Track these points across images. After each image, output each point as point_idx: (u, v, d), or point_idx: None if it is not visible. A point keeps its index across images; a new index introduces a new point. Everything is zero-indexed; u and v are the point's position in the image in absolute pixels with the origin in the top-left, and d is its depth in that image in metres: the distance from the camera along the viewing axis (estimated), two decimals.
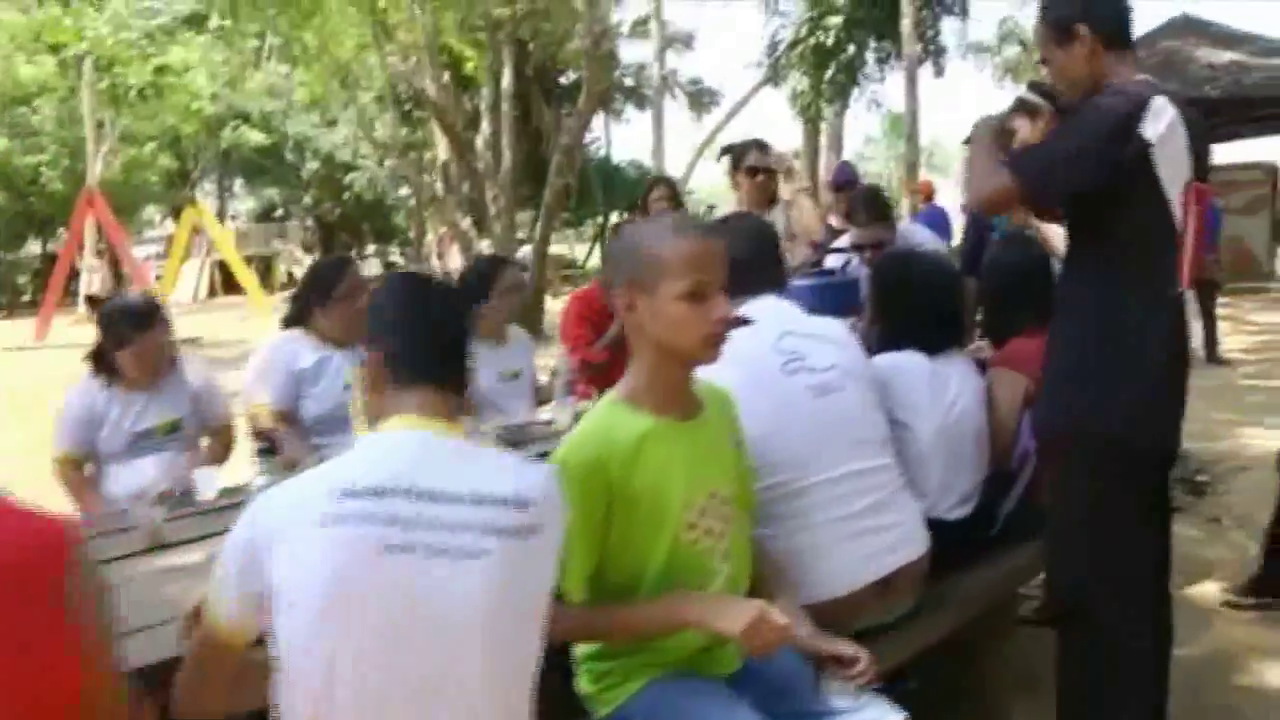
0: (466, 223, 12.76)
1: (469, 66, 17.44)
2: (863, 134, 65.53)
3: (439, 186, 14.66)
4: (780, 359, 2.14)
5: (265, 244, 31.00)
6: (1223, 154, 20.52)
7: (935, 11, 16.64)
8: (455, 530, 1.35)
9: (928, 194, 10.14)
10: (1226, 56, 14.51)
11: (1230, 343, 10.09)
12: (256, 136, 28.95)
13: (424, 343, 1.52)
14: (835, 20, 15.82)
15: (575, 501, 1.65)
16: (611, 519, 1.72)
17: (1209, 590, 3.74)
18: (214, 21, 13.72)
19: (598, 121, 27.33)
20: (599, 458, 1.71)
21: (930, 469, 2.48)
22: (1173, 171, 2.04)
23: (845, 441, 2.13)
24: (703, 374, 2.00)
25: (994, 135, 2.23)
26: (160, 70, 20.49)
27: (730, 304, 2.23)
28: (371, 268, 36.29)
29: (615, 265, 1.80)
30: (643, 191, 5.16)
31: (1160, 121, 2.00)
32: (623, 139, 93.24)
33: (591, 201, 24.01)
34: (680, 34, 26.42)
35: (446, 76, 17.31)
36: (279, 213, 35.12)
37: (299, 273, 29.41)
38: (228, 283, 25.71)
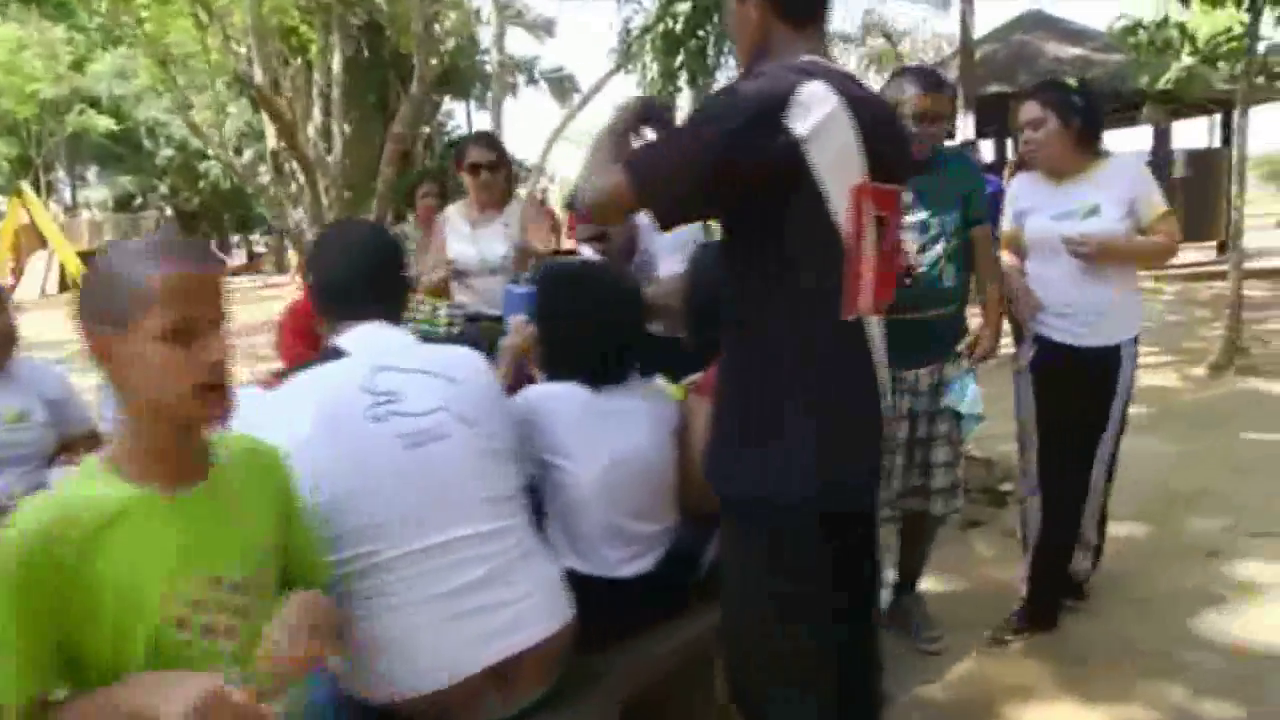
0: (299, 214, 12.04)
1: (313, 51, 16.62)
2: None
3: (268, 176, 13.86)
4: (368, 401, 1.73)
5: (121, 236, 29.40)
6: None
7: None
8: None
9: None
10: (1072, 51, 14.81)
11: None
12: (105, 121, 27.36)
13: None
14: (684, 7, 15.44)
15: (13, 587, 1.28)
16: (69, 611, 1.32)
17: (986, 620, 3.47)
18: None
19: (460, 108, 26.59)
20: (51, 534, 1.31)
21: (592, 519, 2.10)
22: (836, 172, 1.66)
23: (446, 502, 1.74)
24: (272, 419, 1.61)
25: (614, 137, 1.83)
26: None
27: (333, 330, 1.86)
28: (238, 259, 34.93)
29: (83, 302, 1.39)
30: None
31: (814, 113, 1.61)
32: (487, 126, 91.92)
33: (457, 190, 23.29)
34: (540, 20, 25.81)
35: (299, 61, 16.45)
36: (138, 202, 33.38)
37: None
38: None
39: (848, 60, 24.19)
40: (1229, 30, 7.31)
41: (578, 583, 1.98)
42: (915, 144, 2.92)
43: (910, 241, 2.99)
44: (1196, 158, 16.77)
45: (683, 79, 16.37)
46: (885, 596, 3.43)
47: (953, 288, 3.09)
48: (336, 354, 1.79)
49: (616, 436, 2.12)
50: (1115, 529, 4.26)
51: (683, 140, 1.70)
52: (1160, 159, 16.28)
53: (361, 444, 1.70)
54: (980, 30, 16.65)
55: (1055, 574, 3.44)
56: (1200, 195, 16.14)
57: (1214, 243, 17.11)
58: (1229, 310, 7.94)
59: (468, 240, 3.88)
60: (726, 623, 1.87)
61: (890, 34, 22.68)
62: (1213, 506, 4.57)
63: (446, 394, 1.80)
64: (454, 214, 4.03)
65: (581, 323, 2.18)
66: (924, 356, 3.06)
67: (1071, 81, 3.34)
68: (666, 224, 1.72)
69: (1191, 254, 16.59)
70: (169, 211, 32.80)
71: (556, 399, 2.11)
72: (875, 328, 1.80)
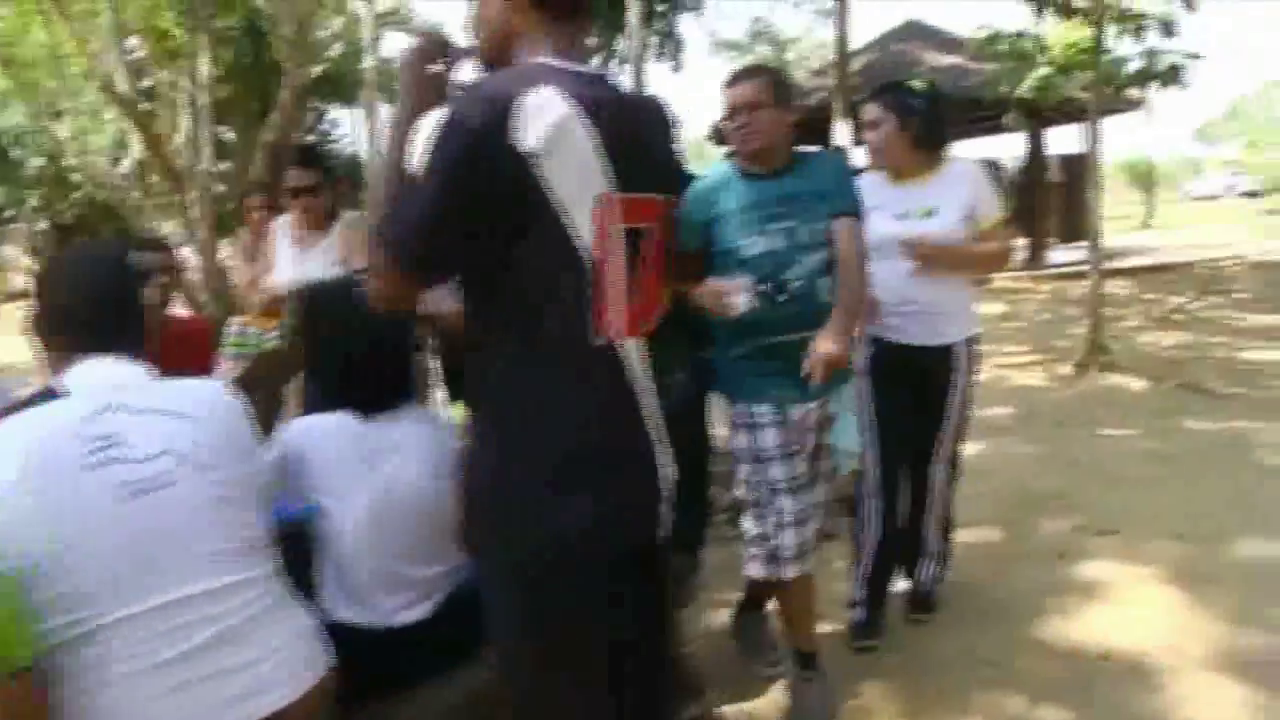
0: (169, 226, 11.59)
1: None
2: None
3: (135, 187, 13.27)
4: (85, 447, 1.55)
5: None
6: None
7: (671, 5, 16.29)
8: None
9: None
10: (948, 60, 15.15)
11: None
12: None
13: None
14: None
15: None
16: None
17: (833, 635, 3.42)
18: None
19: (345, 116, 26.06)
20: None
21: (363, 564, 1.95)
22: (574, 185, 1.53)
23: (171, 557, 1.57)
24: None
25: (401, 125, 1.64)
26: None
27: (58, 365, 1.68)
28: None
29: None
30: None
31: (541, 123, 1.47)
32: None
33: (344, 202, 22.70)
34: (425, 26, 25.42)
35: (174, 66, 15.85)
36: (8, 215, 31.80)
37: (29, 282, 26.82)
38: None
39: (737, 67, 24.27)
40: (1077, 43, 7.52)
41: (351, 634, 1.84)
42: (742, 138, 2.72)
43: (762, 256, 2.69)
44: (1069, 162, 17.32)
45: None
46: (726, 616, 3.37)
47: (831, 303, 2.69)
48: (53, 394, 1.61)
49: (386, 471, 1.97)
50: (968, 535, 4.30)
51: (421, 190, 1.51)
52: (1034, 163, 16.81)
53: (73, 496, 1.52)
54: (861, 39, 16.99)
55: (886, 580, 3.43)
56: (1073, 198, 16.69)
57: (1087, 243, 17.68)
58: (1090, 310, 8.16)
59: (290, 261, 3.68)
60: (502, 666, 1.73)
61: (778, 41, 22.92)
62: (1065, 507, 4.64)
63: (179, 435, 1.63)
64: (281, 230, 3.82)
65: (344, 347, 2.01)
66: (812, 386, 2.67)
67: (916, 84, 3.31)
68: (438, 282, 1.58)
69: (1066, 254, 17.16)
70: (41, 225, 31.38)
71: (319, 433, 1.96)
72: (634, 352, 1.66)
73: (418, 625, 1.98)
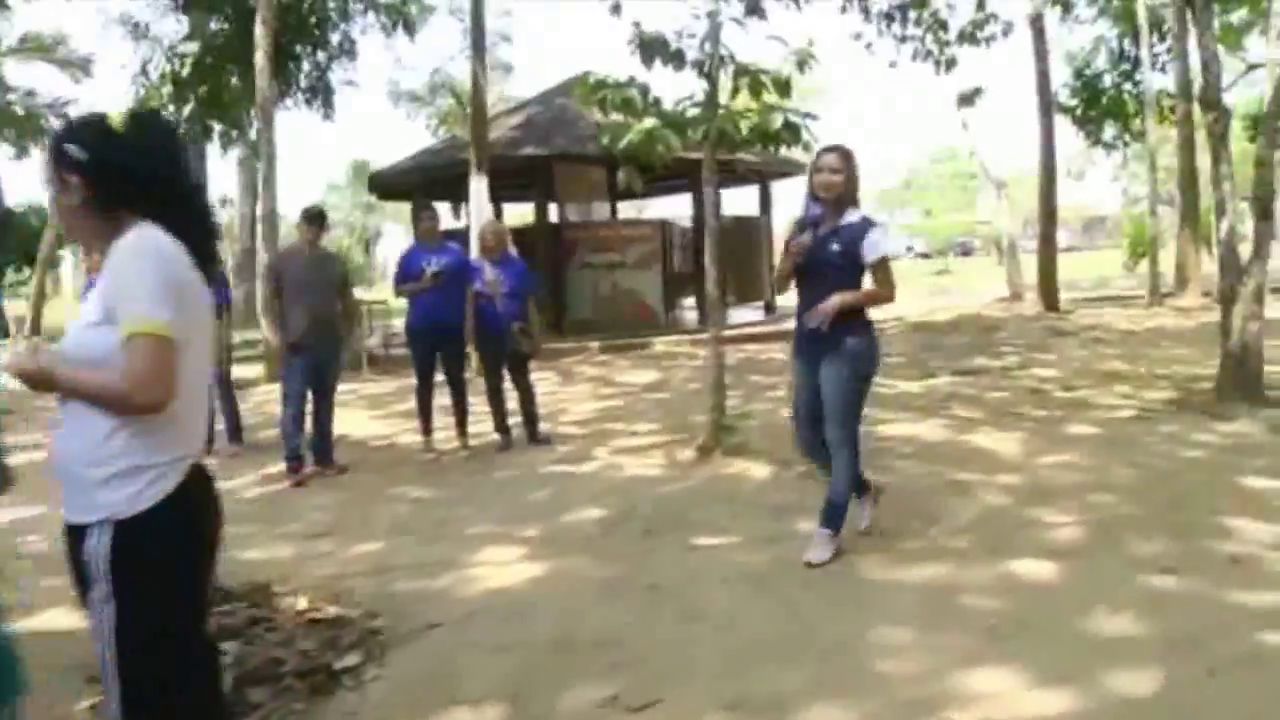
0: None
1: None
2: (324, 180, 62.42)
3: None
4: None
5: None
6: (625, 210, 21.75)
7: (314, 49, 14.91)
8: None
9: None
10: (612, 116, 14.69)
11: (577, 411, 9.51)
12: None
13: None
14: (192, 48, 13.45)
15: None
16: None
17: None
18: None
19: None
20: None
21: None
22: None
23: None
24: None
25: None
26: None
27: None
28: None
29: None
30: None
31: None
32: (26, 177, 76.25)
33: None
34: (75, 57, 22.67)
35: None
36: None
37: None
38: None
39: (416, 119, 23.34)
40: (691, 96, 6.95)
41: None
42: None
43: None
44: (741, 224, 17.41)
45: (188, 130, 14.21)
46: None
47: None
48: None
49: None
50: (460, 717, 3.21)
51: None
52: (697, 224, 16.72)
53: None
54: (533, 91, 16.39)
55: None
56: (744, 259, 16.71)
57: (760, 303, 17.86)
58: (713, 389, 7.46)
59: None
60: None
61: (459, 94, 22.12)
62: (610, 663, 3.60)
63: None
64: None
65: None
66: None
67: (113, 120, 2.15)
68: None
69: (743, 314, 17.19)
70: None
71: None
72: None
73: None
